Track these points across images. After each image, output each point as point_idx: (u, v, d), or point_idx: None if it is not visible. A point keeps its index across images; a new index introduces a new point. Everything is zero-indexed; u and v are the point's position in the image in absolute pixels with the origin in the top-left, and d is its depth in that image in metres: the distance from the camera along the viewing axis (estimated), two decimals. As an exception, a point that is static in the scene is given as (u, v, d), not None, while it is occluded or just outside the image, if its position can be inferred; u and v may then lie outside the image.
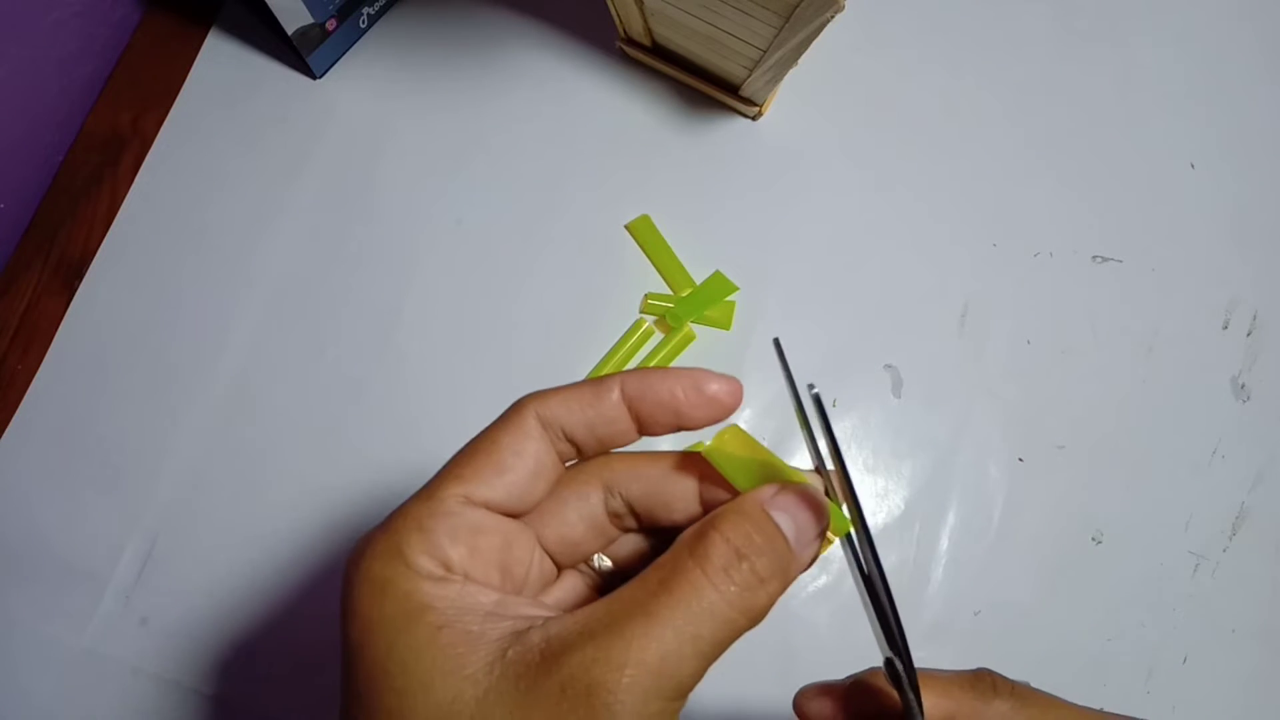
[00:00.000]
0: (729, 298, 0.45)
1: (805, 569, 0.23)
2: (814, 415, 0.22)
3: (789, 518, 0.22)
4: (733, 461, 0.23)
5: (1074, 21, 0.48)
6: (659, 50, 0.46)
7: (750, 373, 0.44)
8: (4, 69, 0.45)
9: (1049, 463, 0.44)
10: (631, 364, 0.44)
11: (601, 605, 0.20)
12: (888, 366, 0.45)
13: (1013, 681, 0.25)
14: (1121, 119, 0.47)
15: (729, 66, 0.42)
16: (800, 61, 0.38)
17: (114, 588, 0.43)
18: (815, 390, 0.22)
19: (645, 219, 0.46)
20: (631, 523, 0.25)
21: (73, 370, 0.46)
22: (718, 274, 0.45)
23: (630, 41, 0.46)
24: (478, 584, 0.21)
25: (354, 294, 0.46)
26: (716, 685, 0.41)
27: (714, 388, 0.23)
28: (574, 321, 0.45)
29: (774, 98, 0.47)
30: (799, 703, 0.26)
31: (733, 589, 0.20)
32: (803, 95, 0.47)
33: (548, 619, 0.20)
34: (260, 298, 0.46)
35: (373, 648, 0.20)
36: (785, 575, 0.21)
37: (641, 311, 0.45)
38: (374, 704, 0.20)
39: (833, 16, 0.31)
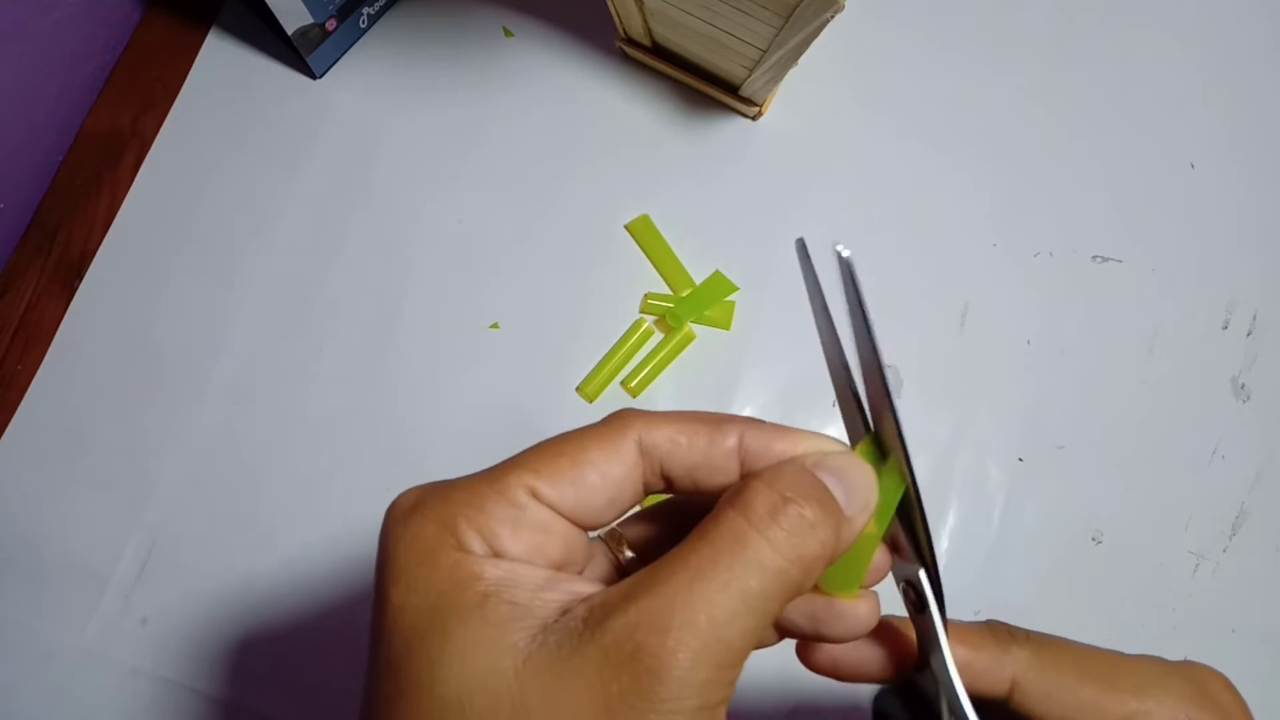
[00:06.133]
0: (729, 298, 0.45)
1: (858, 539, 0.21)
2: (848, 288, 0.20)
3: (837, 481, 0.20)
4: None
5: (1075, 21, 0.48)
6: (659, 50, 0.46)
7: (750, 372, 0.44)
8: (4, 69, 0.45)
9: (1049, 463, 0.44)
10: (631, 364, 0.44)
11: (645, 570, 0.19)
12: (888, 366, 0.45)
13: (1026, 630, 0.25)
14: (1121, 119, 0.47)
15: (729, 66, 0.42)
16: (800, 61, 0.38)
17: (114, 588, 0.43)
18: (847, 253, 0.20)
19: (645, 219, 0.46)
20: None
21: (73, 370, 0.46)
22: (718, 274, 0.45)
23: (630, 41, 0.46)
24: (529, 564, 0.20)
25: (354, 293, 0.46)
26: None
27: (835, 462, 0.21)
28: (574, 321, 0.45)
29: (774, 98, 0.47)
30: (804, 649, 0.25)
31: (781, 534, 0.19)
32: (803, 95, 0.47)
33: (592, 594, 0.19)
34: (260, 297, 0.46)
35: (414, 611, 0.19)
36: (836, 528, 0.20)
37: (641, 311, 0.45)
38: (407, 671, 0.19)
39: (833, 16, 0.31)
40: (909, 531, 0.23)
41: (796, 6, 0.31)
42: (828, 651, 0.25)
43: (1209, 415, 0.44)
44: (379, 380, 0.45)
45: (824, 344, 0.23)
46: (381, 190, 0.47)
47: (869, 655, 0.25)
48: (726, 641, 0.18)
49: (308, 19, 0.44)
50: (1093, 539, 0.43)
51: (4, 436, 0.45)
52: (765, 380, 0.44)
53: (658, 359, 0.44)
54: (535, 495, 0.20)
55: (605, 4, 0.41)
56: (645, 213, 0.46)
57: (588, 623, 0.18)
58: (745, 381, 0.44)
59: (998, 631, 0.25)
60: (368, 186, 0.47)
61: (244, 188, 0.48)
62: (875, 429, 0.22)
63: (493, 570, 0.19)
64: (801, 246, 0.22)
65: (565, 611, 0.19)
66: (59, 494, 0.45)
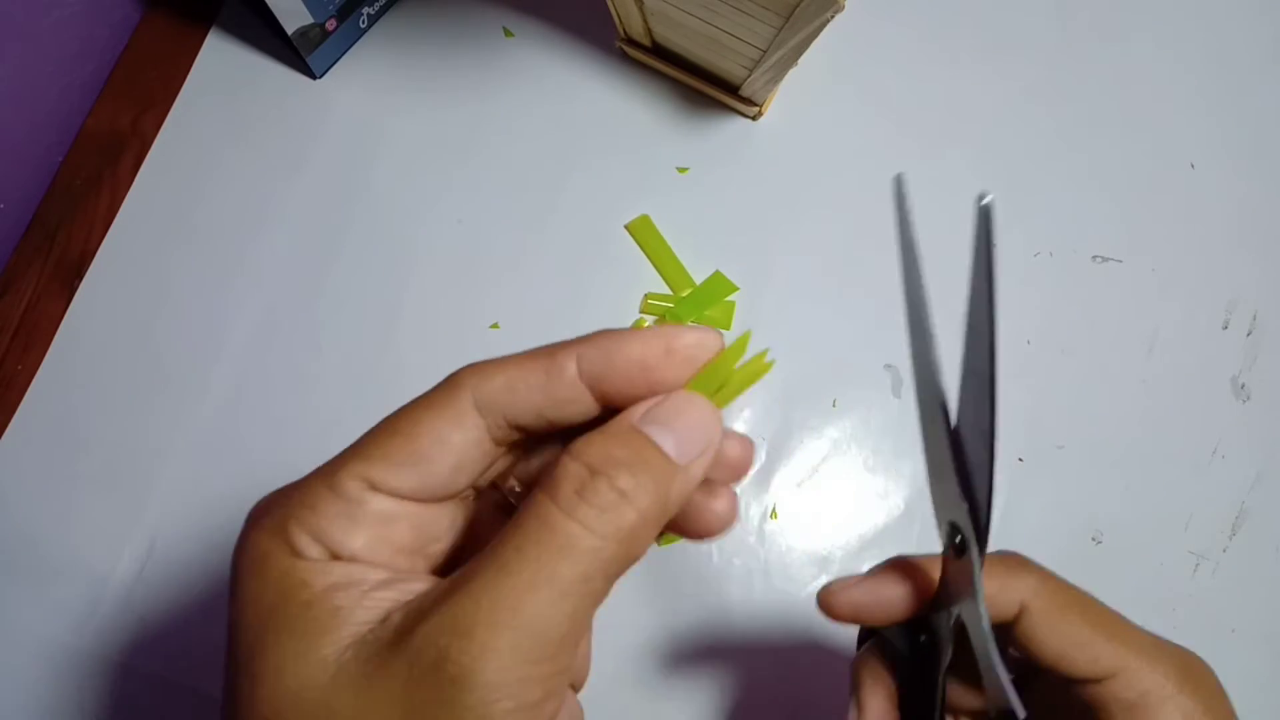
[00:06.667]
0: (729, 298, 0.45)
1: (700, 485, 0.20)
2: (981, 240, 0.19)
3: (667, 431, 0.19)
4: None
5: (1074, 20, 0.48)
6: (659, 50, 0.46)
7: (750, 373, 0.44)
8: (4, 69, 0.45)
9: (1049, 463, 0.44)
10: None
11: (458, 571, 0.18)
12: (888, 366, 0.45)
13: (1037, 563, 0.25)
14: (1121, 119, 0.47)
15: (729, 66, 0.42)
16: (800, 61, 0.38)
17: (114, 587, 0.43)
18: (988, 200, 0.19)
19: (645, 219, 0.46)
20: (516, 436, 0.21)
21: (73, 370, 0.46)
22: (718, 274, 0.45)
23: (630, 41, 0.46)
24: (368, 564, 0.19)
25: (353, 294, 0.46)
26: (716, 685, 0.41)
27: (687, 341, 0.20)
28: (574, 321, 0.45)
29: (774, 98, 0.47)
30: (826, 597, 0.25)
31: (590, 511, 0.17)
32: (803, 95, 0.47)
33: (415, 597, 0.18)
34: (260, 297, 0.46)
35: (246, 629, 0.18)
36: (661, 490, 0.18)
37: (641, 311, 0.45)
38: (235, 688, 0.18)
39: (833, 16, 0.31)
40: (959, 469, 0.22)
41: (796, 6, 0.32)
42: (849, 598, 0.24)
43: (1209, 415, 0.44)
44: (379, 380, 0.45)
45: (907, 286, 0.22)
46: (381, 190, 0.47)
47: (893, 596, 0.25)
48: (539, 635, 0.16)
49: (308, 19, 0.44)
50: (1093, 539, 0.43)
51: (4, 436, 0.45)
52: (766, 380, 0.44)
53: (658, 359, 0.44)
54: (372, 485, 0.19)
55: (605, 4, 0.41)
56: (645, 213, 0.46)
57: (399, 631, 0.17)
58: (745, 381, 0.44)
59: (1010, 559, 0.25)
60: (368, 186, 0.47)
61: (244, 188, 0.48)
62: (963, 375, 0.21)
63: (322, 577, 0.18)
64: (899, 184, 0.21)
65: (385, 617, 0.18)
66: (59, 494, 0.44)
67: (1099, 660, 0.23)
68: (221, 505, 0.44)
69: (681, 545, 0.42)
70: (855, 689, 0.26)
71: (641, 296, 0.45)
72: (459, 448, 0.20)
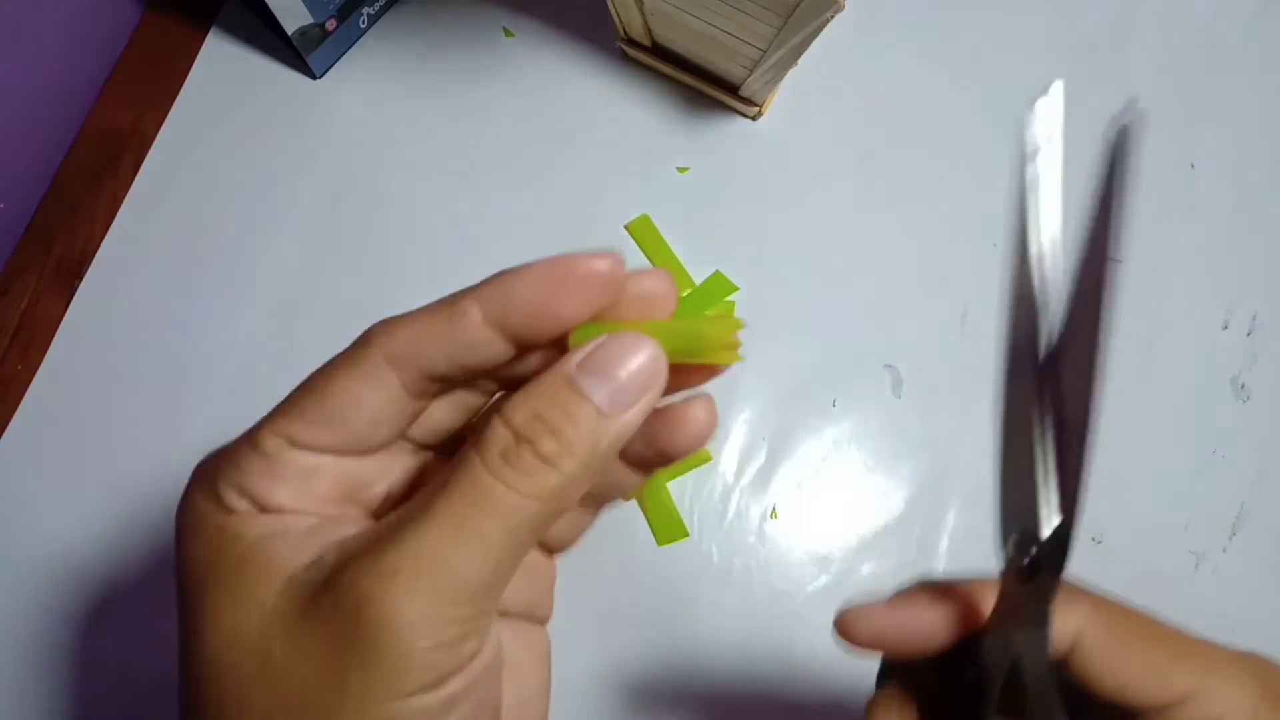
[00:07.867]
0: (729, 298, 0.45)
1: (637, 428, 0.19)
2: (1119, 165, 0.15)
3: (601, 381, 0.18)
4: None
5: (1074, 21, 0.48)
6: (659, 50, 0.46)
7: (750, 372, 0.44)
8: (4, 68, 0.45)
9: (1049, 463, 0.44)
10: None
11: (391, 514, 0.19)
12: (888, 366, 0.45)
13: (1088, 589, 0.23)
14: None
15: (729, 66, 0.42)
16: (800, 61, 0.38)
17: (116, 590, 0.43)
18: (1127, 119, 0.15)
19: (645, 219, 0.46)
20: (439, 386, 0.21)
21: (73, 370, 0.46)
22: (718, 274, 0.45)
23: (630, 41, 0.46)
24: (295, 513, 0.20)
25: (354, 293, 0.46)
26: (712, 690, 0.41)
27: (590, 268, 0.19)
28: (574, 321, 0.45)
29: (774, 98, 0.47)
30: (844, 624, 0.23)
31: (515, 475, 0.18)
32: (803, 95, 0.47)
33: (348, 537, 0.19)
34: (260, 298, 0.46)
35: (187, 583, 0.19)
36: (587, 448, 0.18)
37: (641, 311, 0.45)
38: (182, 641, 0.19)
39: (833, 16, 0.31)
40: (1043, 465, 0.19)
41: (796, 6, 0.32)
42: (868, 625, 0.22)
43: (1208, 415, 0.44)
44: (379, 380, 0.45)
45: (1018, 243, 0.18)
46: (381, 190, 0.47)
47: (926, 624, 0.22)
48: (462, 582, 0.17)
49: (308, 19, 0.44)
50: (1093, 539, 0.43)
51: (4, 436, 0.45)
52: (766, 379, 0.44)
53: (658, 359, 0.44)
54: (291, 441, 0.20)
55: (605, 4, 0.41)
56: (645, 213, 0.46)
57: (331, 571, 0.18)
58: (745, 381, 0.44)
59: (1064, 587, 0.23)
60: (367, 186, 0.47)
61: (244, 188, 0.48)
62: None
63: (254, 528, 0.19)
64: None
65: (317, 559, 0.18)
66: (59, 494, 0.44)
67: (1169, 686, 0.21)
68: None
69: (680, 546, 0.42)
70: None
71: (641, 296, 0.45)
72: (373, 403, 0.20)
